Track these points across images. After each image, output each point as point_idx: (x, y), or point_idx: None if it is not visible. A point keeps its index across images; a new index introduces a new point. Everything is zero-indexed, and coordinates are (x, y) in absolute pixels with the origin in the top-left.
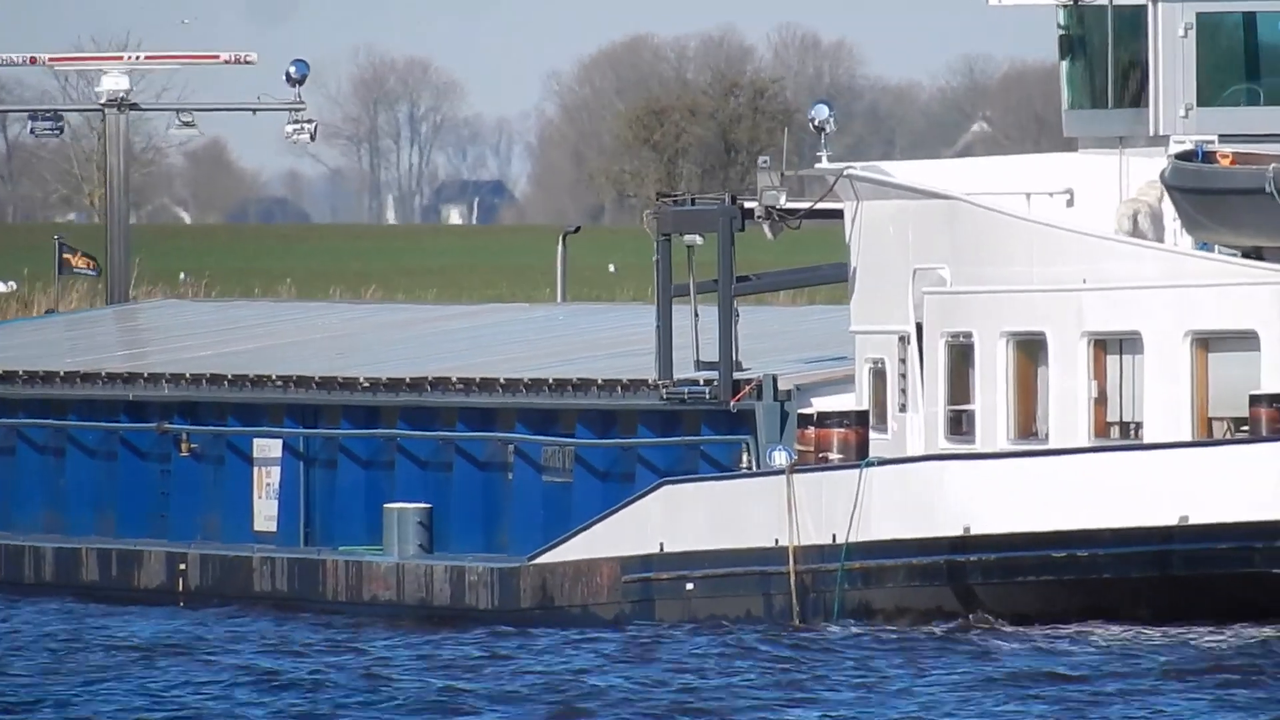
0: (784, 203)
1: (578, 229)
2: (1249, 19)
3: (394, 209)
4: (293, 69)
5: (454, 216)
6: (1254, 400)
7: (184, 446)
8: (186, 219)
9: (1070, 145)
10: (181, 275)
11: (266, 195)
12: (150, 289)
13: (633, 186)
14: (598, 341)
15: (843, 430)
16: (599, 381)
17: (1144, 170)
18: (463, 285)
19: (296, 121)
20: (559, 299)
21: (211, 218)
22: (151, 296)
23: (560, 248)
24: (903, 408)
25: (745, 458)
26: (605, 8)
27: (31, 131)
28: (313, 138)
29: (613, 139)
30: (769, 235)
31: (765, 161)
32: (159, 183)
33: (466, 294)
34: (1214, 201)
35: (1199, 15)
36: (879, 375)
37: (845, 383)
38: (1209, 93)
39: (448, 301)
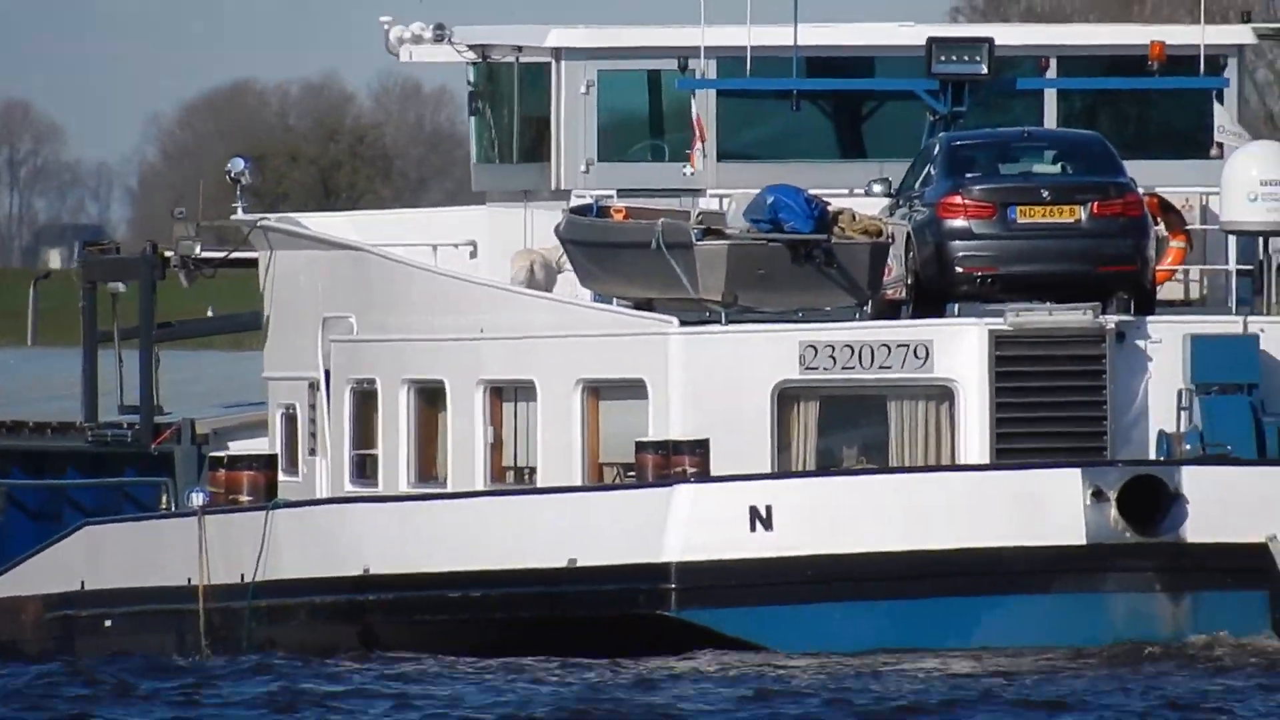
0: (199, 252)
1: (48, 274)
2: (652, 77)
3: None
4: None
5: (54, 260)
6: (640, 447)
7: None
8: None
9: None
10: None
11: None
12: None
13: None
14: (42, 384)
15: (252, 473)
16: (30, 424)
17: (549, 223)
18: (63, 327)
19: None
20: (29, 342)
21: None
22: None
23: (32, 292)
24: (312, 451)
25: (165, 499)
26: (207, 52)
27: None
28: None
29: (214, 184)
30: (184, 283)
31: (181, 212)
32: None
33: (67, 337)
34: (607, 254)
35: (600, 73)
36: (290, 420)
37: (262, 427)
38: (611, 148)
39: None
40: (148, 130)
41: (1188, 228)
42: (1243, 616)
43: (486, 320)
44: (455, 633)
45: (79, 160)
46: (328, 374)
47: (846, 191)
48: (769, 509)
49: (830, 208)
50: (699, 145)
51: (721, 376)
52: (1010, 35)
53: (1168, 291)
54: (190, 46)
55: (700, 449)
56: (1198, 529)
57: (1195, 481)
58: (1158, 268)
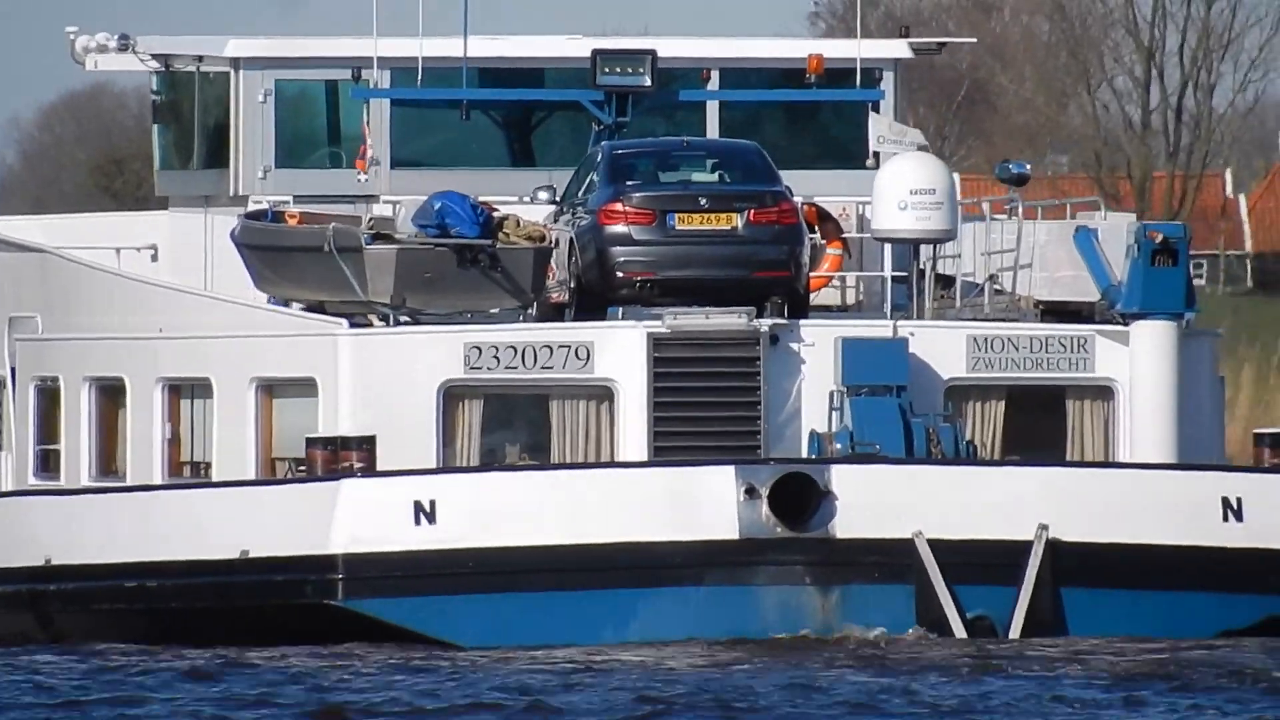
0: None
1: None
2: (330, 87)
3: None
4: None
5: None
6: (310, 443)
7: None
8: None
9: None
10: None
11: None
12: None
13: None
14: None
15: None
16: None
17: (228, 228)
18: None
19: None
20: None
21: None
22: None
23: None
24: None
25: None
26: (65, 55)
27: None
28: None
29: (74, 187)
30: None
31: None
32: None
33: None
34: (281, 258)
35: (278, 82)
36: None
37: None
38: (289, 156)
39: None
40: (6, 133)
41: (844, 235)
42: (890, 609)
43: (166, 321)
44: (132, 622)
45: None
46: (13, 371)
47: (515, 199)
48: (433, 503)
49: (496, 214)
50: (369, 153)
51: (389, 376)
52: (674, 48)
53: (825, 297)
54: (50, 49)
55: (368, 445)
56: (847, 525)
57: (844, 479)
58: (814, 274)
